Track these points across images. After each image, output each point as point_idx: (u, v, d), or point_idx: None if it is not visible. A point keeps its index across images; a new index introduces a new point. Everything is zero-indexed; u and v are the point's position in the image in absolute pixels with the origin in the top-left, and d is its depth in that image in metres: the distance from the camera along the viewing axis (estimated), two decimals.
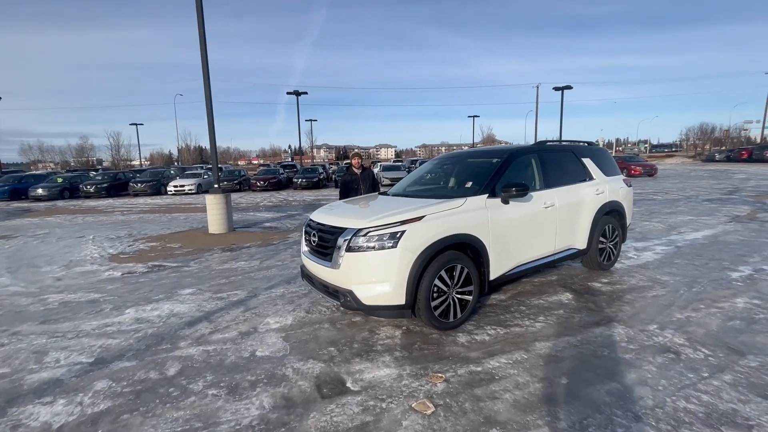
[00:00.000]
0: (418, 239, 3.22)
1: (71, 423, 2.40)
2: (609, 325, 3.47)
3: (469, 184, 4.07)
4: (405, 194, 4.49)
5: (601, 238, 4.90)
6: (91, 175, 24.90)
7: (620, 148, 79.08)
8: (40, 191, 19.97)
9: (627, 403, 2.38)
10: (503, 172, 4.01)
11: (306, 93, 34.87)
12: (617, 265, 5.27)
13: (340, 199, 5.24)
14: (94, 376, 2.93)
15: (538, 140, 5.01)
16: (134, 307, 4.36)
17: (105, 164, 59.20)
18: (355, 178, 5.71)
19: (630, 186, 5.47)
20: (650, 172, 23.59)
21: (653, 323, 3.49)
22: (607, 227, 4.95)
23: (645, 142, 77.97)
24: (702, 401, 2.37)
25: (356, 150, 6.21)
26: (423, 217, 3.32)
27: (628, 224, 5.42)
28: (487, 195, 3.77)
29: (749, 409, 2.28)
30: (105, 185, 21.11)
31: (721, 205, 10.56)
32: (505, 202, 3.82)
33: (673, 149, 64.80)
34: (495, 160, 4.19)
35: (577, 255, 4.71)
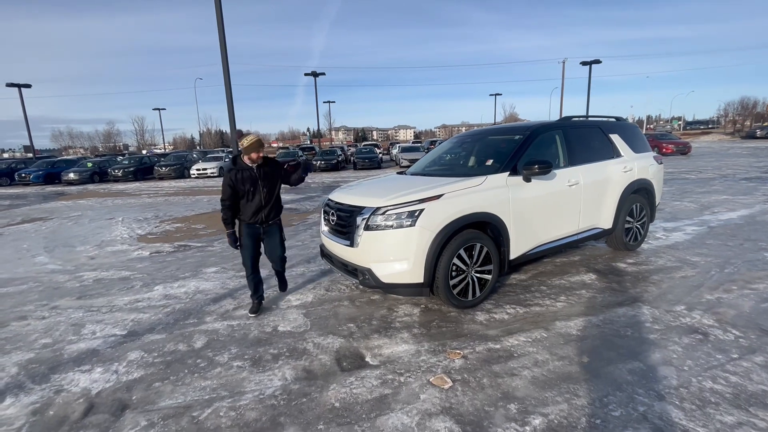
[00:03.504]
0: (436, 218, 3.19)
1: (108, 389, 2.56)
2: (633, 306, 3.38)
3: (489, 162, 3.97)
4: (424, 173, 4.43)
5: (628, 218, 4.73)
6: (119, 159, 25.73)
7: (651, 126, 75.40)
8: (71, 175, 20.87)
9: (650, 382, 2.33)
10: (525, 149, 3.89)
11: (324, 74, 34.65)
12: (644, 246, 5.10)
13: (226, 209, 3.45)
14: (127, 347, 3.10)
15: (562, 116, 4.82)
16: (162, 284, 4.55)
17: (131, 149, 60.98)
18: (248, 175, 3.39)
19: (661, 163, 5.22)
20: (683, 150, 22.47)
21: (681, 304, 3.38)
22: (634, 206, 4.76)
23: (679, 119, 74.09)
24: (730, 382, 2.29)
25: (249, 134, 3.54)
26: (442, 195, 3.28)
27: (657, 203, 5.20)
28: (508, 173, 3.67)
29: None
30: (132, 169, 21.83)
31: (760, 184, 9.99)
32: (527, 180, 3.71)
33: (710, 126, 61.35)
34: (517, 137, 4.07)
35: (601, 235, 4.58)
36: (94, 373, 2.75)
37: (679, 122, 71.37)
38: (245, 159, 3.39)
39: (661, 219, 6.58)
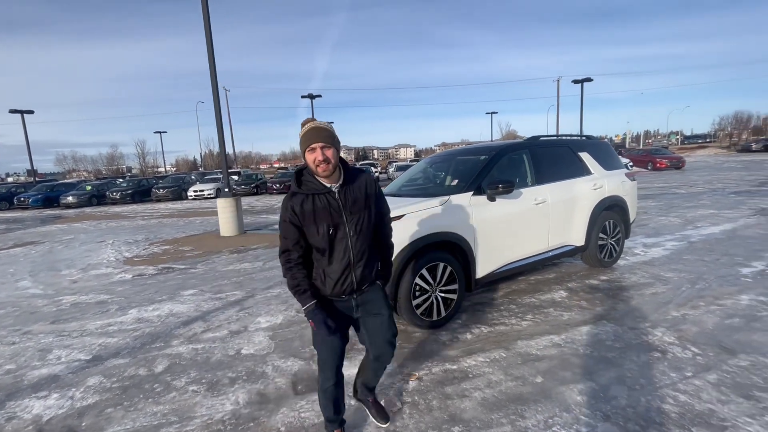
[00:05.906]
0: (396, 238, 3.22)
1: (60, 415, 2.55)
2: (597, 324, 3.37)
3: (455, 182, 4.04)
4: (397, 194, 4.48)
5: (602, 235, 4.75)
6: (118, 182, 26.05)
7: (649, 141, 76.05)
8: (70, 199, 21.13)
9: (599, 402, 2.32)
10: (490, 169, 3.96)
11: (320, 96, 35.18)
12: (620, 262, 5.10)
13: (295, 267, 1.85)
14: (88, 373, 3.10)
15: (531, 135, 4.91)
16: (138, 307, 4.56)
17: (134, 171, 61.76)
18: (325, 204, 1.79)
19: (634, 180, 5.27)
20: (677, 164, 22.64)
21: (646, 321, 3.36)
22: (607, 223, 4.79)
23: (676, 133, 74.75)
24: (678, 401, 2.27)
25: (313, 122, 1.78)
26: (402, 216, 3.33)
27: (632, 220, 5.22)
28: (471, 192, 3.73)
29: (727, 409, 2.17)
30: (130, 192, 22.09)
31: (748, 198, 10.01)
32: (492, 199, 3.77)
33: (708, 140, 61.78)
34: (482, 158, 4.14)
35: (574, 252, 4.59)
36: (50, 399, 2.74)
37: (677, 137, 71.98)
38: (313, 169, 1.80)
39: (643, 234, 6.58)
